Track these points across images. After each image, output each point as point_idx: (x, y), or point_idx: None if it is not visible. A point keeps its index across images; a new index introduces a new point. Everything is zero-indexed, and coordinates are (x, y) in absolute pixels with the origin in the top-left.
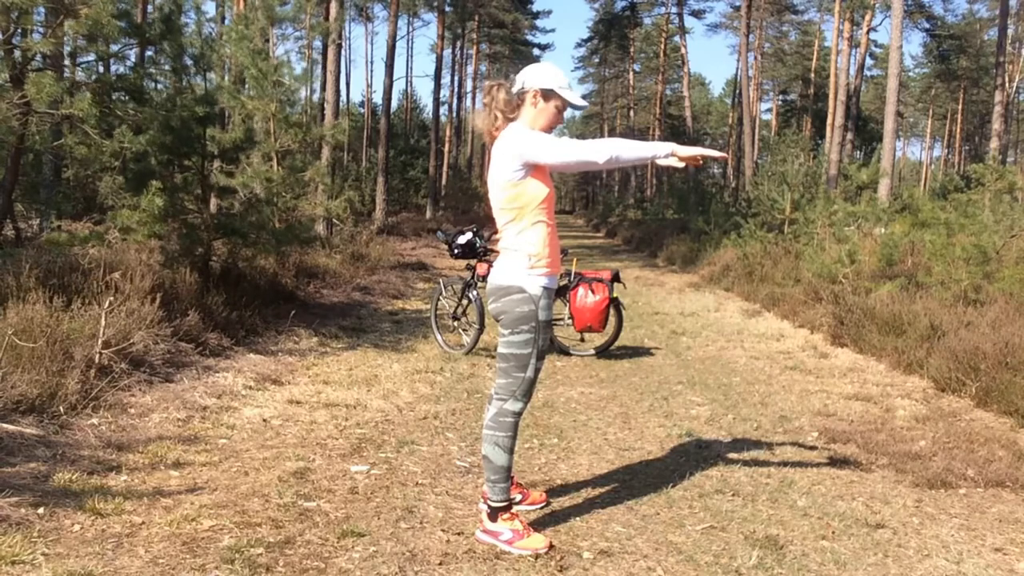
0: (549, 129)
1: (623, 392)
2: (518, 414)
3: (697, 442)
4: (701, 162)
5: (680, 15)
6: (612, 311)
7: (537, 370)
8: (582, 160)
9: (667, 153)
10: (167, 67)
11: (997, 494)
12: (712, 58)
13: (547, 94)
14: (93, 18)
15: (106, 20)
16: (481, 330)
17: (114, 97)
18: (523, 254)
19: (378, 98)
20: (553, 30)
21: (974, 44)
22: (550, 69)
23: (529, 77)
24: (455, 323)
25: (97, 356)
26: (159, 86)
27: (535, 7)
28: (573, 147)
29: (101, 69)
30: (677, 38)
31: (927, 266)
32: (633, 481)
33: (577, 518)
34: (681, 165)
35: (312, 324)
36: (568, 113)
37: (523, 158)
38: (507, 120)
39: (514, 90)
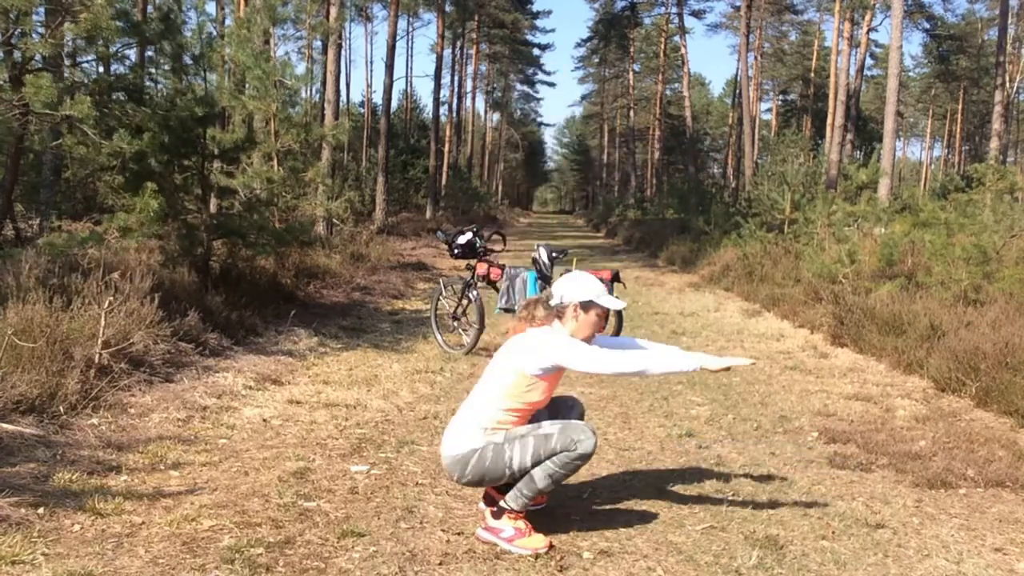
0: (593, 334)
1: (623, 392)
2: (586, 456)
3: (697, 442)
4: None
5: (680, 15)
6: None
7: (556, 422)
8: (613, 372)
9: (696, 367)
10: (167, 67)
11: (997, 494)
12: (712, 58)
13: (586, 305)
14: (92, 21)
15: (105, 22)
16: (481, 330)
17: (113, 97)
18: (477, 425)
19: (378, 98)
20: (553, 30)
21: (974, 44)
22: (585, 281)
23: (567, 292)
24: (455, 323)
25: (97, 356)
26: (159, 86)
27: (535, 7)
28: (608, 360)
29: (100, 69)
30: (677, 38)
31: (927, 266)
32: (633, 481)
33: (577, 518)
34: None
35: (312, 324)
36: (568, 112)
37: (556, 363)
38: (541, 324)
39: (552, 303)
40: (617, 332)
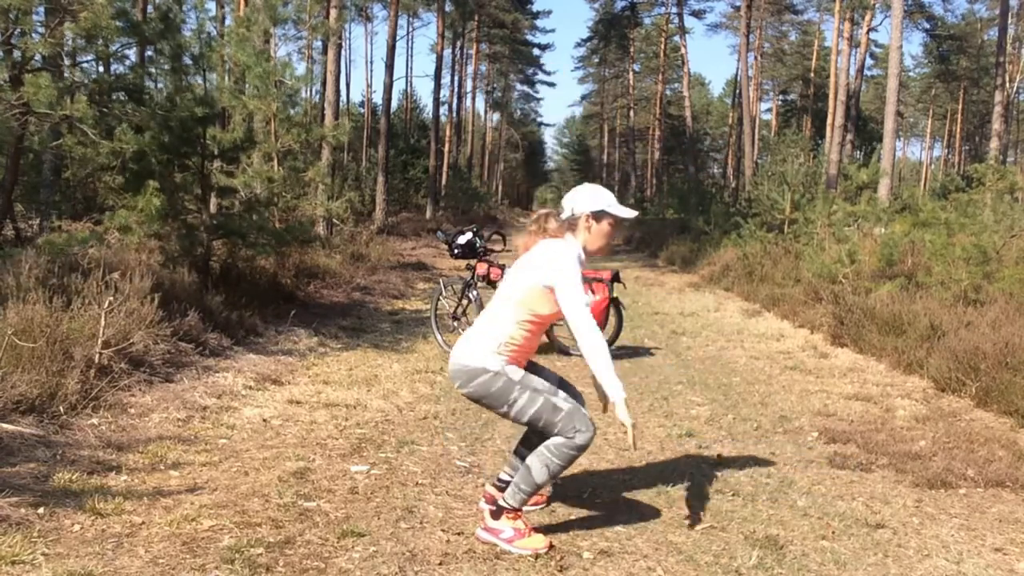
0: (608, 244)
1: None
2: (582, 448)
3: (697, 442)
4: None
5: (680, 15)
6: (612, 311)
7: (569, 399)
8: (580, 331)
9: (615, 397)
10: (167, 67)
11: (997, 494)
12: (712, 58)
13: (598, 215)
14: (92, 20)
15: (105, 22)
16: None
17: (113, 97)
18: (493, 339)
19: (378, 98)
20: (553, 30)
21: (974, 44)
22: (596, 190)
23: (578, 202)
24: (455, 323)
25: (97, 356)
26: (158, 85)
27: (535, 7)
28: (586, 323)
29: (100, 69)
30: (677, 38)
31: (927, 266)
32: (633, 481)
33: (577, 518)
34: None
35: (312, 324)
36: (568, 112)
37: (553, 285)
38: (554, 236)
39: (563, 216)
40: (617, 332)
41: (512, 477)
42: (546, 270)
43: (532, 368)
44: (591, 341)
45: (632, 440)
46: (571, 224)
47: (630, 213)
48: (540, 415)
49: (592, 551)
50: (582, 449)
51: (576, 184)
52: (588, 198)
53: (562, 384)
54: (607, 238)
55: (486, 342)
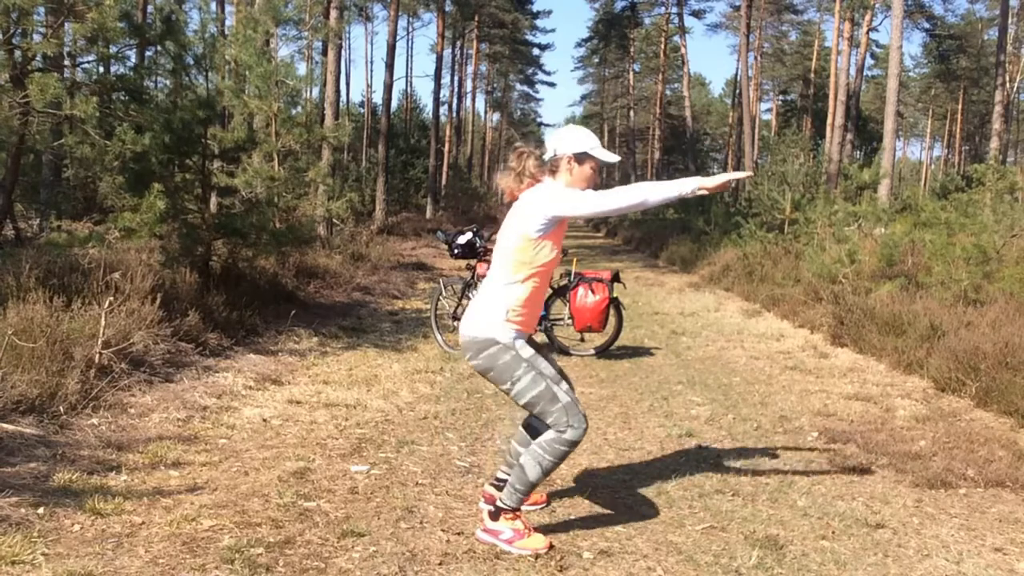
0: (587, 189)
1: (623, 392)
2: (574, 443)
3: (697, 442)
4: (729, 186)
5: (680, 15)
6: (612, 311)
7: (567, 391)
8: (615, 208)
9: (694, 189)
10: (168, 67)
11: (997, 494)
12: (712, 58)
13: (580, 158)
14: (99, 21)
15: (111, 23)
16: None
17: (114, 97)
18: (501, 305)
19: (378, 98)
20: (553, 30)
21: (974, 44)
22: (580, 132)
23: (561, 143)
24: (455, 323)
25: (97, 356)
26: (159, 86)
27: (535, 7)
28: (604, 198)
29: (100, 69)
30: (677, 38)
31: (927, 266)
32: (633, 481)
33: (577, 518)
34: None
35: (312, 324)
36: (568, 112)
37: (555, 215)
38: (535, 181)
39: (546, 156)
40: (617, 331)
41: (509, 475)
42: (536, 213)
43: (538, 351)
44: (631, 199)
45: (736, 175)
46: (553, 165)
47: (613, 157)
48: (539, 400)
49: (592, 551)
50: (573, 445)
51: None
52: (571, 139)
53: (563, 376)
54: (588, 182)
55: (495, 311)
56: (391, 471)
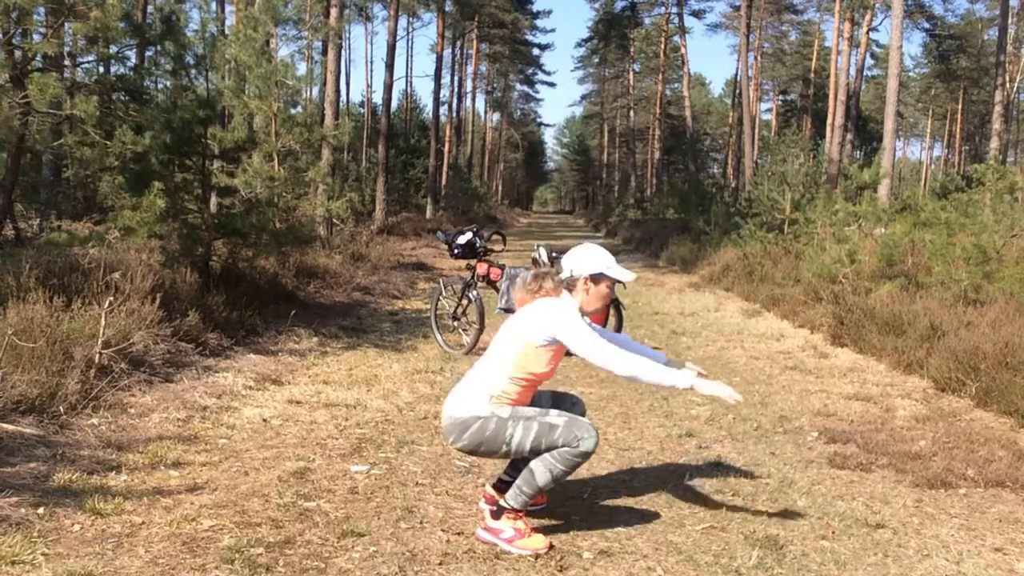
0: (604, 306)
1: (623, 392)
2: (587, 454)
3: (697, 442)
4: (718, 399)
5: (680, 15)
6: (612, 311)
7: (563, 412)
8: (606, 367)
9: (687, 386)
10: (168, 67)
11: (997, 494)
12: (712, 58)
13: (596, 278)
14: (102, 21)
15: (114, 23)
16: (481, 330)
17: (114, 97)
18: (486, 392)
19: (378, 98)
20: (553, 30)
21: (974, 44)
22: (595, 253)
23: (577, 265)
24: (455, 323)
25: (97, 356)
26: (159, 85)
27: (535, 7)
28: (606, 356)
29: (100, 69)
30: (677, 38)
31: (927, 266)
32: (633, 481)
33: (577, 518)
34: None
35: (312, 324)
36: (568, 112)
37: (558, 338)
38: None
39: (561, 276)
40: (618, 330)
41: (511, 478)
42: (544, 326)
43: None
44: (626, 369)
45: (730, 395)
46: (569, 285)
47: (628, 276)
48: (540, 440)
49: (592, 551)
50: (587, 455)
51: (576, 183)
52: (587, 260)
53: (555, 400)
54: (604, 300)
55: (479, 395)
56: (391, 471)
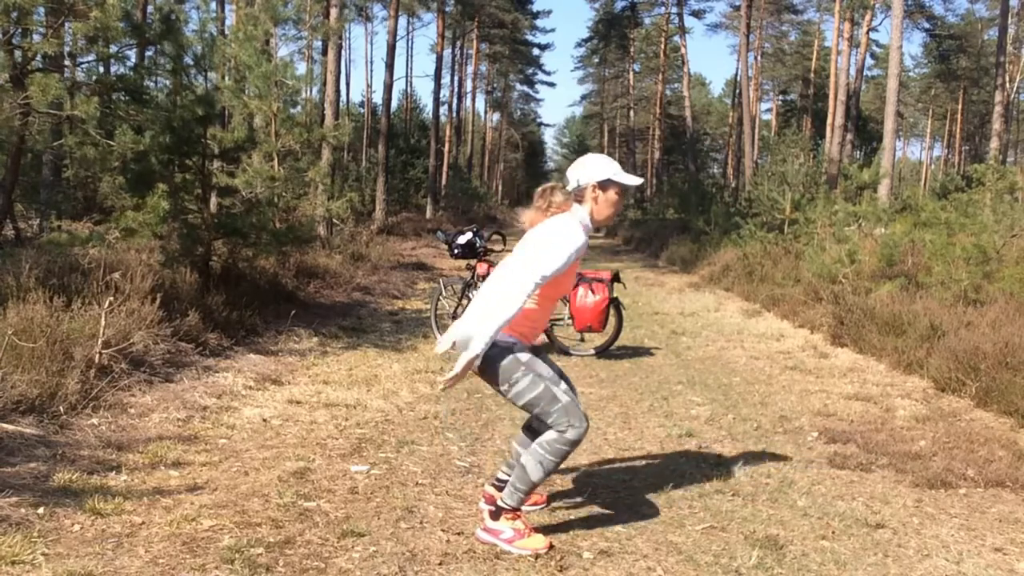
0: (614, 213)
1: (623, 392)
2: (575, 443)
3: (697, 442)
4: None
5: (680, 15)
6: (612, 311)
7: (567, 391)
8: (500, 290)
9: (468, 350)
10: (168, 67)
11: (997, 494)
12: (712, 58)
13: (604, 184)
14: (102, 21)
15: (114, 23)
16: None
17: (114, 97)
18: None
19: (378, 98)
20: (553, 30)
21: (974, 44)
22: (601, 160)
23: (584, 172)
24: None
25: (97, 356)
26: (158, 85)
27: (535, 7)
28: (509, 294)
29: (100, 69)
30: (677, 38)
31: (927, 266)
32: (633, 481)
33: (577, 518)
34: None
35: (312, 324)
36: (568, 112)
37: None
38: (559, 211)
39: (569, 188)
40: (617, 331)
41: (510, 476)
42: (540, 246)
43: (536, 354)
44: (503, 303)
45: (449, 377)
46: (577, 195)
47: (636, 180)
48: (538, 401)
49: (592, 551)
50: (574, 444)
51: None
52: (594, 168)
53: (562, 376)
54: (614, 207)
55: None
56: (391, 471)
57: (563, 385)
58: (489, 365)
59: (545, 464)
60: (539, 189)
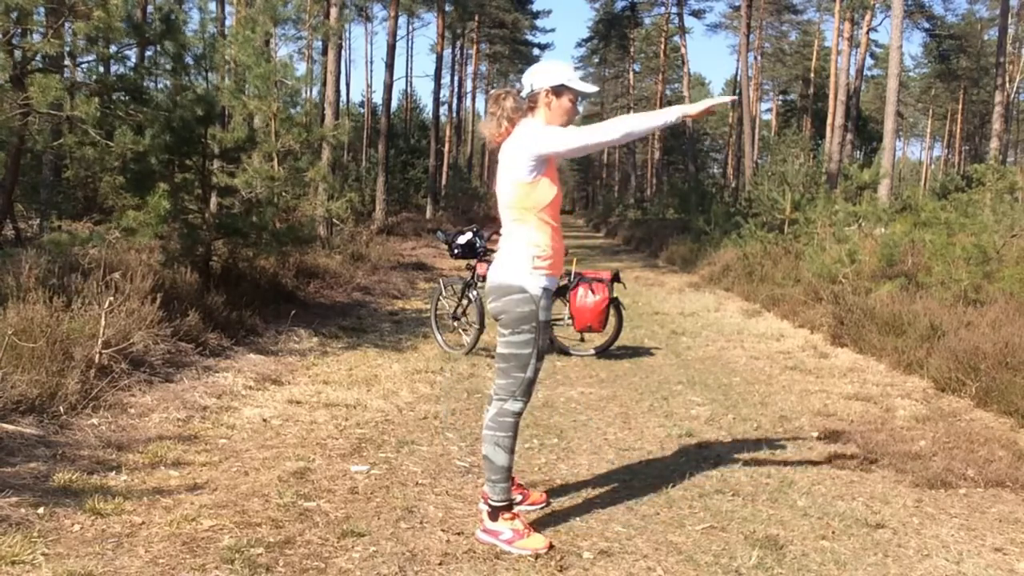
0: (568, 124)
1: (623, 392)
2: (518, 414)
3: (697, 442)
4: (714, 111)
5: (680, 15)
6: (612, 311)
7: (537, 370)
8: (600, 141)
9: (678, 117)
10: (168, 67)
11: (997, 494)
12: (712, 58)
13: (558, 90)
14: (105, 21)
15: (116, 24)
16: (481, 330)
17: (114, 97)
18: (527, 254)
19: (378, 98)
20: (553, 30)
21: (974, 44)
22: (555, 65)
23: (537, 78)
24: (455, 323)
25: (97, 356)
26: (159, 85)
27: (535, 7)
28: (588, 132)
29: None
30: (677, 38)
31: (927, 266)
32: (633, 481)
33: (577, 518)
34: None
35: (312, 324)
36: None
37: (540, 153)
38: (514, 125)
39: (523, 94)
40: (617, 331)
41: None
42: (521, 158)
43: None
44: (616, 130)
45: (720, 100)
46: (531, 101)
47: (591, 88)
48: (516, 359)
49: (592, 551)
50: (518, 415)
51: (576, 183)
52: (547, 73)
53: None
54: (568, 115)
55: (521, 259)
56: (391, 471)
57: (539, 363)
58: (509, 308)
59: (502, 443)
60: (491, 94)
